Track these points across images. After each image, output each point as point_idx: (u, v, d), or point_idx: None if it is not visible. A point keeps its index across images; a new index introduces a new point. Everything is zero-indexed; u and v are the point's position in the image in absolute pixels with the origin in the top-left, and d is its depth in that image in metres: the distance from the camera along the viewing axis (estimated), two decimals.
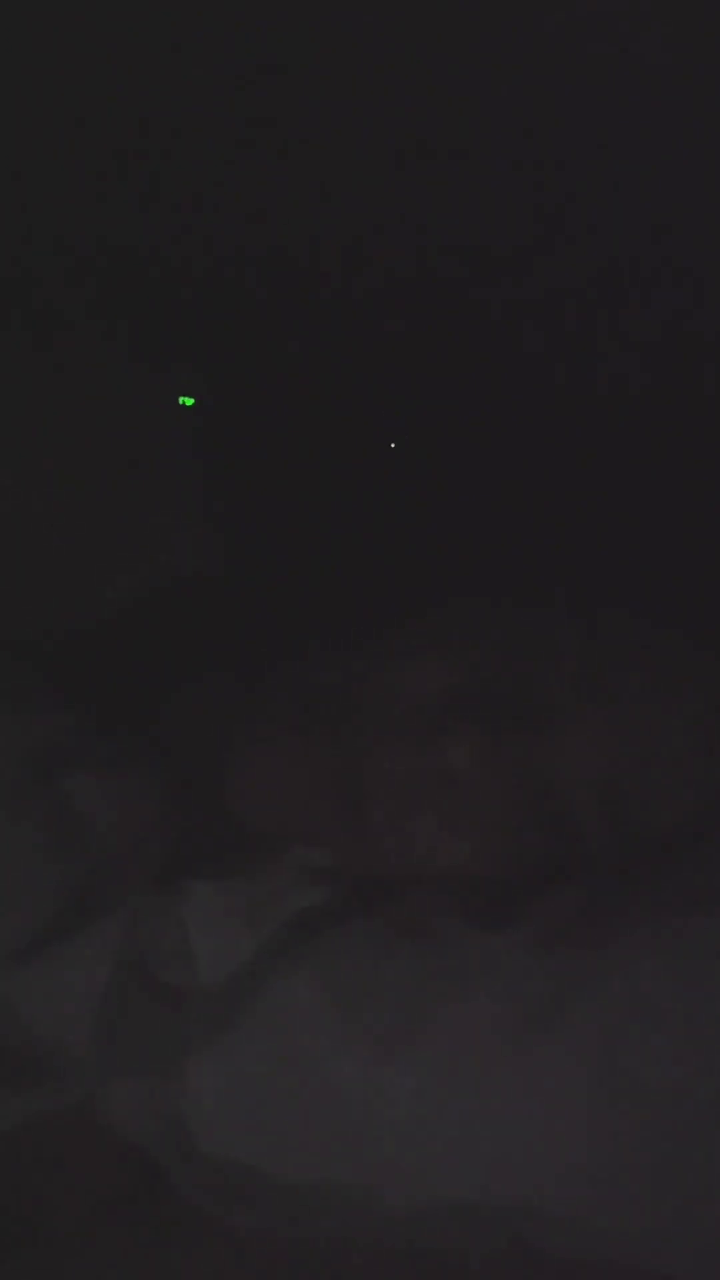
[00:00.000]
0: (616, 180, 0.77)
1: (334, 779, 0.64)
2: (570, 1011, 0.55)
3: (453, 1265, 0.57)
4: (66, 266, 0.78)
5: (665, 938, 0.57)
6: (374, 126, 0.76)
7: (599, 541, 0.72)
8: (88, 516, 0.71)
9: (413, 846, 0.63)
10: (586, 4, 0.71)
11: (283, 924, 0.59)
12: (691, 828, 0.63)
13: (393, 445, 0.82)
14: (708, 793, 0.64)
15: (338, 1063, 0.56)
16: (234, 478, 0.78)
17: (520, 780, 0.63)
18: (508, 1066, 0.55)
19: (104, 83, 0.75)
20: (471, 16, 0.72)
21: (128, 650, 0.69)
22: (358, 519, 0.77)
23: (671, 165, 0.75)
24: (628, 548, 0.72)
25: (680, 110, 0.73)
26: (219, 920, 0.59)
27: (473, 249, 0.79)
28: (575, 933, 0.57)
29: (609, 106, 0.74)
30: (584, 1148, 0.54)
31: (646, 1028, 0.55)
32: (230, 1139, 0.57)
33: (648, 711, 0.64)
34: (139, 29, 0.73)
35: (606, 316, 0.81)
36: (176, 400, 0.80)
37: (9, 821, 0.60)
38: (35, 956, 0.58)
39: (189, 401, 0.80)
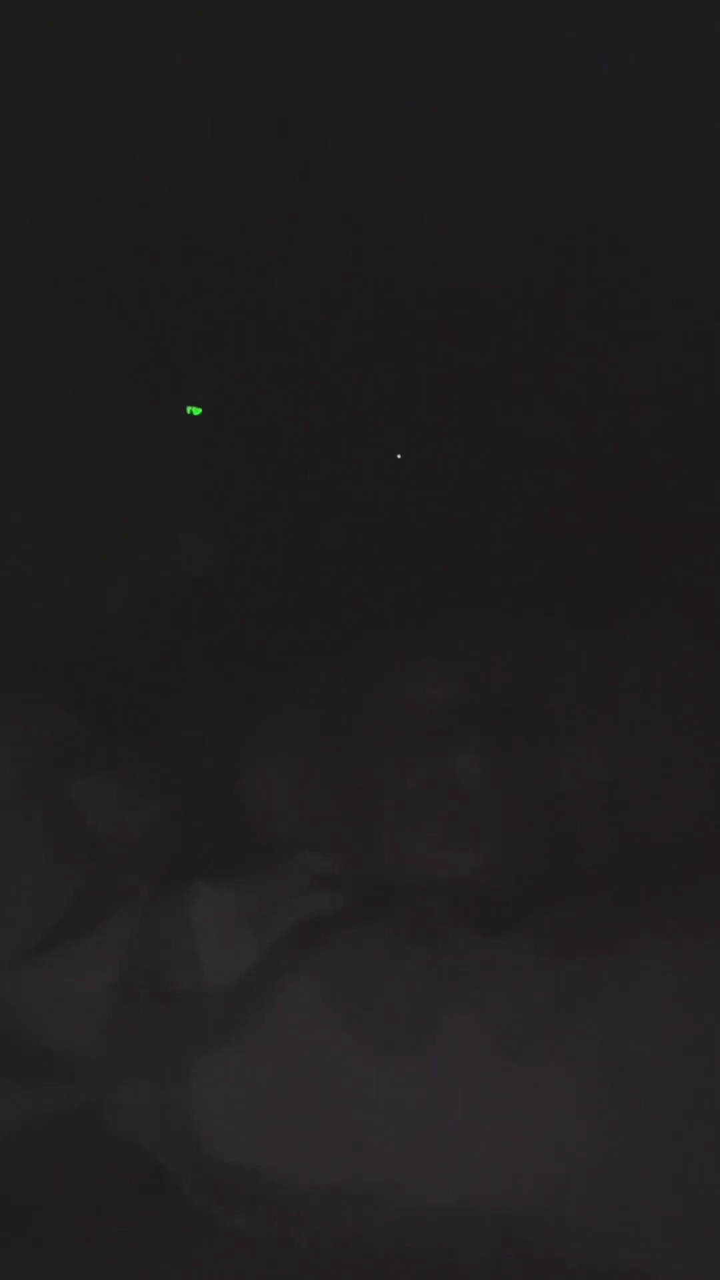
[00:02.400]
0: (618, 192, 0.77)
1: (341, 786, 0.64)
2: (573, 1019, 0.56)
3: (454, 1269, 0.57)
4: (73, 275, 0.78)
5: (668, 947, 0.57)
6: (379, 138, 0.76)
7: (605, 552, 0.72)
8: (96, 522, 0.71)
9: (418, 853, 0.63)
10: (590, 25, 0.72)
11: (288, 929, 0.59)
12: (695, 837, 0.63)
13: (399, 456, 0.82)
14: (712, 803, 0.64)
15: (342, 1067, 0.56)
16: (241, 485, 0.78)
17: (526, 789, 0.63)
18: (511, 1073, 0.56)
19: (107, 95, 0.75)
20: (476, 34, 0.73)
21: (136, 655, 0.69)
22: (365, 528, 0.77)
23: (673, 175, 0.76)
24: (634, 558, 0.72)
25: (684, 122, 0.74)
26: (225, 925, 0.59)
27: (476, 260, 0.80)
28: (579, 941, 0.58)
29: (611, 118, 0.74)
30: (585, 1154, 0.55)
31: (648, 1036, 0.55)
32: (234, 1142, 0.57)
33: (653, 722, 0.64)
34: (143, 41, 0.74)
35: (610, 325, 0.81)
36: (184, 409, 0.80)
37: (17, 824, 0.60)
38: (42, 959, 0.58)
39: (197, 411, 0.80)
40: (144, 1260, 0.58)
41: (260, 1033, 0.57)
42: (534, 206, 0.79)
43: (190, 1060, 0.57)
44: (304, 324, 0.81)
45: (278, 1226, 0.57)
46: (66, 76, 0.76)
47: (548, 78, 0.75)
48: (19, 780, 0.61)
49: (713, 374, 0.78)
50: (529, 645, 0.66)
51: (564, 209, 0.79)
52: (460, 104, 0.76)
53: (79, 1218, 0.58)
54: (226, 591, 0.73)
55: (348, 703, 0.65)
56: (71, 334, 0.76)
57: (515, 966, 0.57)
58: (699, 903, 0.59)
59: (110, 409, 0.74)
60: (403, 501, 0.80)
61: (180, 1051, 0.57)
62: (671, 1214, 0.55)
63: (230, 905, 0.59)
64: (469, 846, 0.63)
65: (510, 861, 0.63)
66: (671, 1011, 0.56)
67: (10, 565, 0.69)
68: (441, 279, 0.81)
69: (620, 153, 0.76)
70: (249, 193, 0.79)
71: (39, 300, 0.78)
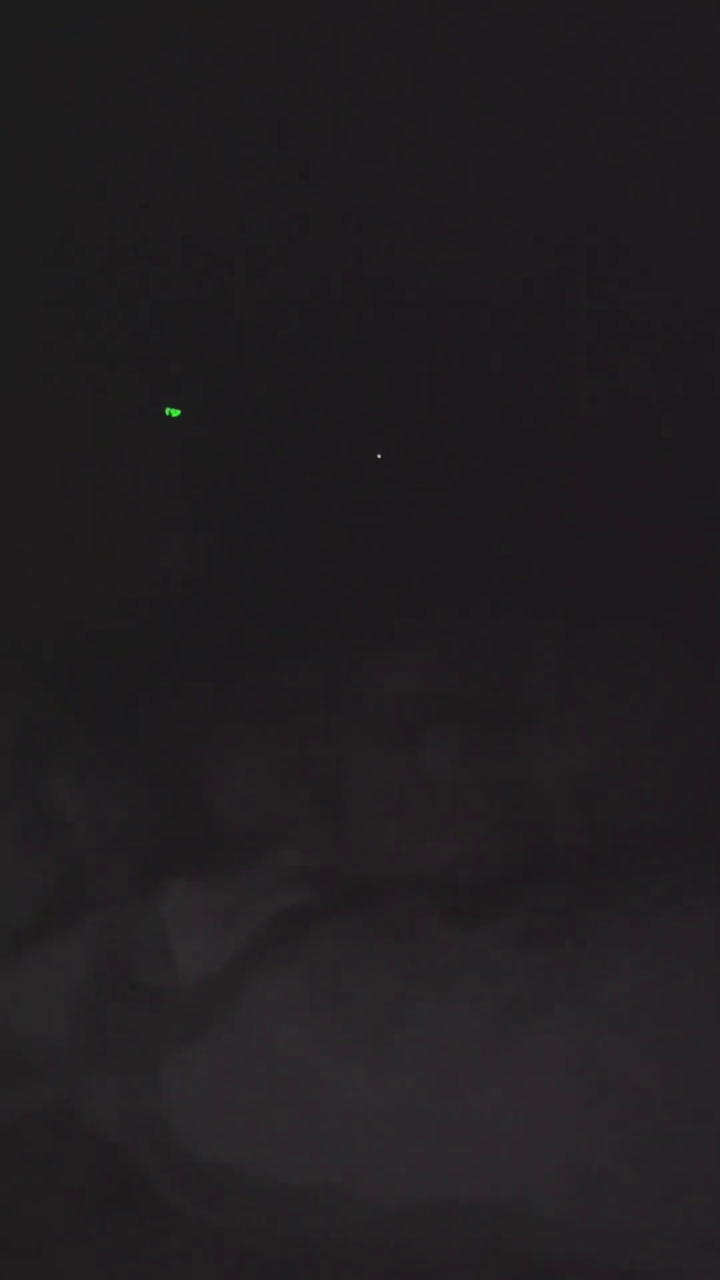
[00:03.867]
0: (618, 192, 0.77)
1: (314, 779, 0.64)
2: (549, 1010, 0.55)
3: (433, 1263, 0.56)
4: (62, 278, 0.79)
5: (643, 936, 0.56)
6: (367, 137, 0.76)
7: (576, 544, 0.72)
8: (75, 521, 0.71)
9: (393, 846, 0.64)
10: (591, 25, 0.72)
11: (262, 924, 0.58)
12: (669, 827, 0.63)
13: (379, 456, 0.83)
14: (684, 792, 0.64)
15: (317, 1062, 0.56)
16: (219, 485, 0.78)
17: (499, 780, 0.64)
18: (487, 1065, 0.55)
19: (102, 95, 0.76)
20: (476, 34, 0.73)
21: (110, 652, 0.69)
22: (340, 525, 0.78)
23: (673, 175, 0.76)
24: (605, 550, 0.72)
25: (684, 122, 0.74)
26: (198, 920, 0.58)
27: (475, 260, 0.80)
28: (554, 931, 0.57)
29: (611, 118, 0.74)
30: (563, 1145, 0.54)
31: (625, 1026, 0.55)
32: (209, 1138, 0.56)
33: (625, 712, 0.64)
34: (143, 41, 0.74)
35: (587, 325, 0.81)
36: (163, 411, 0.80)
37: None
38: (14, 955, 0.58)
39: (175, 413, 0.80)
40: (119, 1257, 0.58)
41: (234, 1028, 0.56)
42: (534, 207, 0.79)
43: (164, 1057, 0.56)
44: (284, 326, 0.82)
45: (254, 1223, 0.57)
46: (66, 76, 0.76)
47: (548, 78, 0.75)
48: None
49: (690, 377, 0.78)
50: (502, 638, 0.66)
51: (564, 209, 0.79)
52: (460, 104, 0.76)
53: (52, 1216, 0.58)
54: (200, 588, 0.73)
55: (321, 697, 0.65)
56: (65, 334, 0.77)
57: (490, 958, 0.57)
58: (673, 893, 0.58)
59: (94, 413, 0.74)
60: (379, 499, 0.80)
61: (154, 1048, 0.57)
62: (652, 1203, 0.54)
63: (203, 900, 0.59)
64: (443, 839, 0.64)
65: (485, 854, 0.63)
66: (647, 1001, 0.55)
67: None
68: (439, 279, 0.81)
69: (620, 153, 0.76)
70: (247, 193, 0.80)
71: (35, 300, 0.78)
